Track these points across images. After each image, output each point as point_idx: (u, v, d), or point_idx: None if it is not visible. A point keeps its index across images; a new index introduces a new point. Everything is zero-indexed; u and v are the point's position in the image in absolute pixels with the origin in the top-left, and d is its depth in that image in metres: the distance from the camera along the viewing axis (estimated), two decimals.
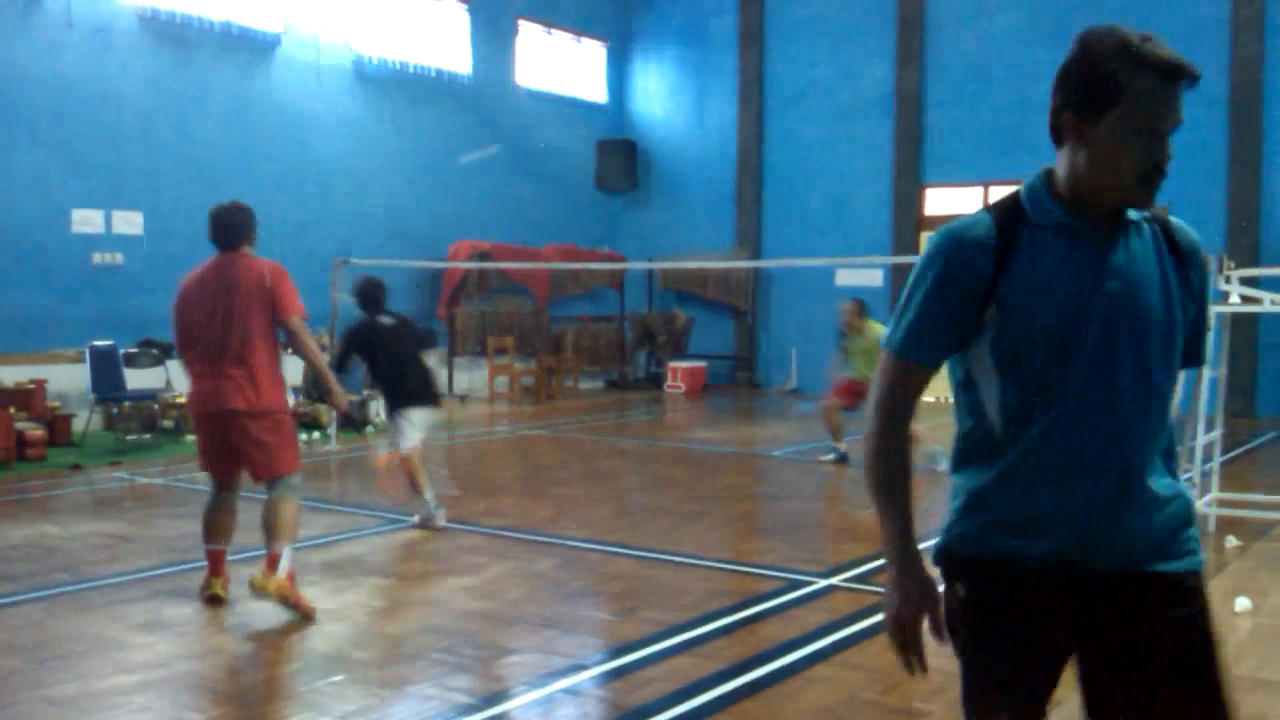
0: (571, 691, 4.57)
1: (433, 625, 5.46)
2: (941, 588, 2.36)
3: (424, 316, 16.96)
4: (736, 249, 19.25)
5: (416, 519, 7.85)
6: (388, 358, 8.13)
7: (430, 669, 4.80)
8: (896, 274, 17.86)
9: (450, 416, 14.79)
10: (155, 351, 12.47)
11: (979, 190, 17.47)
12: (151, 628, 5.37)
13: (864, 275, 18.05)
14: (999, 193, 17.04)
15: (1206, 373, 7.43)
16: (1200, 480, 7.48)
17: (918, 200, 17.89)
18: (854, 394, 11.10)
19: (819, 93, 18.70)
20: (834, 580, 6.34)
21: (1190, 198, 15.00)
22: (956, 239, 2.15)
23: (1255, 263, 14.24)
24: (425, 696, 4.47)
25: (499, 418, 14.90)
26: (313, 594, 6.01)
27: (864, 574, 6.52)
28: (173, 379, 12.17)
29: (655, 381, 19.32)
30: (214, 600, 5.73)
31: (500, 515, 8.22)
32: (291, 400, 12.35)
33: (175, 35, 13.88)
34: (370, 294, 8.19)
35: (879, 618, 5.58)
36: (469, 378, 17.16)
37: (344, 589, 6.14)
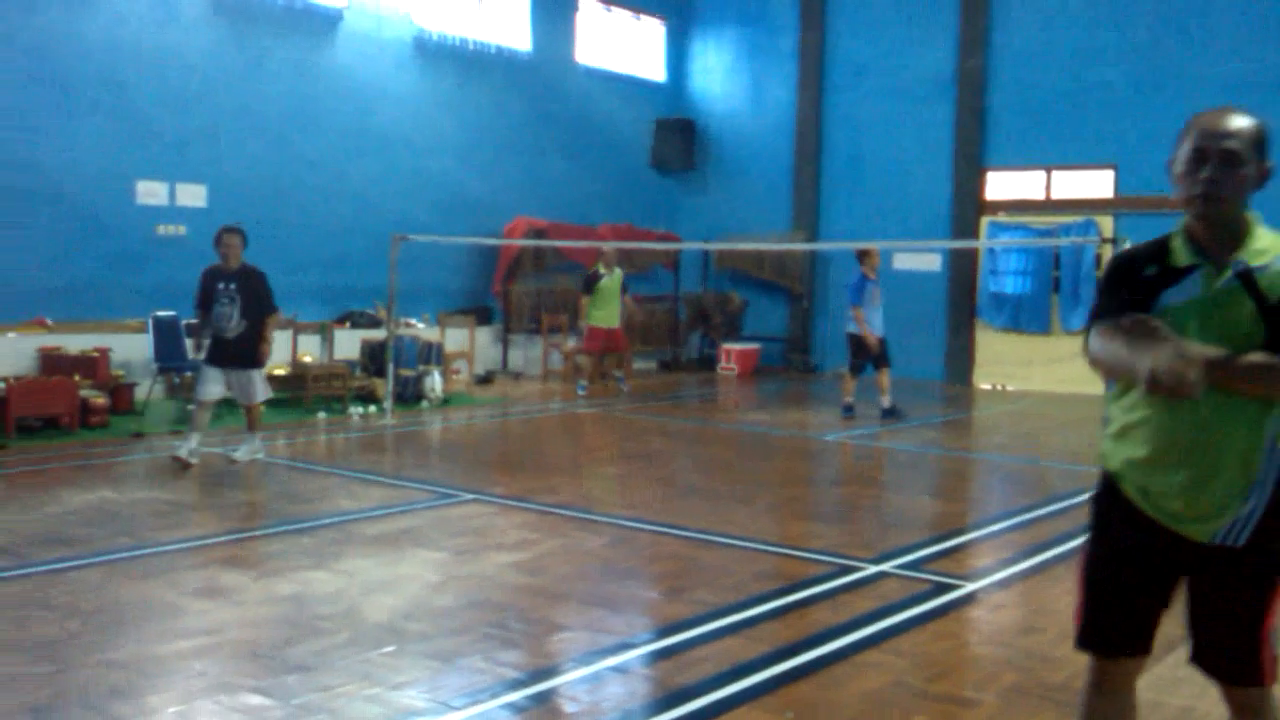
0: (619, 669, 4.59)
1: (483, 599, 5.51)
2: None
3: (480, 293, 17.08)
4: (793, 230, 19.12)
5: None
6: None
7: (480, 643, 4.84)
8: (955, 258, 17.66)
9: (504, 393, 14.88)
10: None
11: (1042, 174, 17.21)
12: (208, 594, 5.46)
13: (922, 259, 17.88)
14: (1062, 178, 16.91)
15: None
16: None
17: (979, 183, 17.64)
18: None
19: (880, 73, 18.48)
20: (885, 567, 6.30)
21: None
22: None
23: None
24: (475, 669, 4.51)
25: (552, 395, 14.97)
26: (366, 565, 6.09)
27: (915, 561, 6.48)
28: None
29: (708, 363, 19.29)
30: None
31: (551, 493, 8.27)
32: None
33: (238, 9, 14.01)
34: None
35: (929, 605, 5.59)
36: (523, 355, 17.23)
37: (396, 561, 6.21)
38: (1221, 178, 2.65)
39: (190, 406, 11.70)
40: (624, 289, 14.96)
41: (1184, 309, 2.67)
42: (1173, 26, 15.95)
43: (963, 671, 4.74)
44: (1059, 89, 16.84)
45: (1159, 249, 2.77)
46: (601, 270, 14.70)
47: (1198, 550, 2.72)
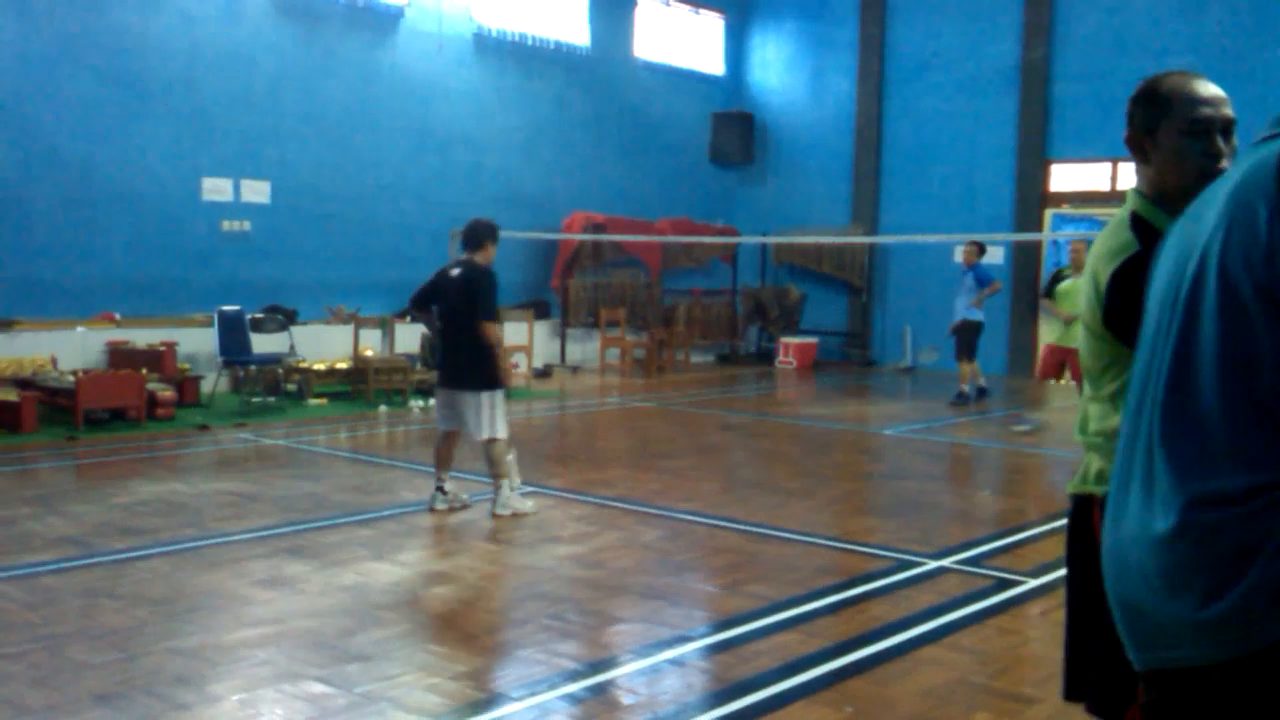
0: (677, 662, 4.59)
1: (541, 591, 5.53)
2: None
3: (539, 287, 17.15)
4: (853, 224, 18.98)
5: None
6: (443, 315, 7.30)
7: (538, 634, 4.86)
8: (1019, 253, 17.43)
9: (562, 387, 14.93)
10: (280, 317, 12.83)
11: (1107, 167, 16.92)
12: (272, 584, 5.54)
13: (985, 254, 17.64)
14: (1128, 169, 16.46)
15: None
16: None
17: (1043, 176, 17.39)
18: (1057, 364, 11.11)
19: (942, 65, 18.27)
20: (945, 562, 6.24)
21: None
22: None
23: None
24: (533, 661, 4.54)
25: (610, 389, 14.99)
26: (425, 556, 6.14)
27: (976, 557, 6.41)
28: (296, 344, 12.51)
29: (766, 356, 19.21)
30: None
31: (609, 486, 8.28)
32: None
33: (302, 9, 14.18)
34: (466, 234, 7.30)
35: (991, 601, 5.52)
36: (581, 349, 17.29)
37: (456, 552, 6.26)
38: (1229, 152, 2.28)
39: (264, 399, 11.93)
40: None
41: None
42: (1242, 16, 15.59)
43: (1024, 669, 4.68)
44: (1125, 80, 16.37)
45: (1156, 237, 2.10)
46: (1067, 272, 11.30)
47: None
